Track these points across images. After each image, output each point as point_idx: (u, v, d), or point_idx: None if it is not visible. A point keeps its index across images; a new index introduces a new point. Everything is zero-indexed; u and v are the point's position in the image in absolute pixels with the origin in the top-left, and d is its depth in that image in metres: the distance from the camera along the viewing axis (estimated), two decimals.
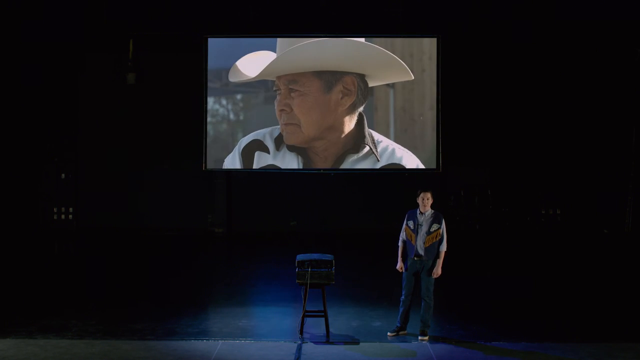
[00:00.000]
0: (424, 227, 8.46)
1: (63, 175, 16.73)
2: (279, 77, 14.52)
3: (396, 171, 15.12)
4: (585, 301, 10.35)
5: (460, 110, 16.14)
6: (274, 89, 14.63)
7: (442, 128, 15.05)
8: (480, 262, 13.55)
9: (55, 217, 16.74)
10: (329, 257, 8.65)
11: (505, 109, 16.37)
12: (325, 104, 14.55)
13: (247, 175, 16.46)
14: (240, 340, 8.36)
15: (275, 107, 14.62)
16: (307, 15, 15.13)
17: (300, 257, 8.64)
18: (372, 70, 14.56)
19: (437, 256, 8.49)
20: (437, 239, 8.46)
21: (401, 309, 8.58)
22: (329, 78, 14.53)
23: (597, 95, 16.27)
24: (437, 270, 8.48)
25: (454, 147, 15.89)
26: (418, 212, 8.55)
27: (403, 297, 8.58)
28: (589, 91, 16.25)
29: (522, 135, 16.44)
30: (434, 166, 15.06)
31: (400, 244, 8.65)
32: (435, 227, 8.45)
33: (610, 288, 11.24)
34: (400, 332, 8.58)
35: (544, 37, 15.48)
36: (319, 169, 15.05)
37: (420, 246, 8.46)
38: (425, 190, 8.55)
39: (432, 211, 8.55)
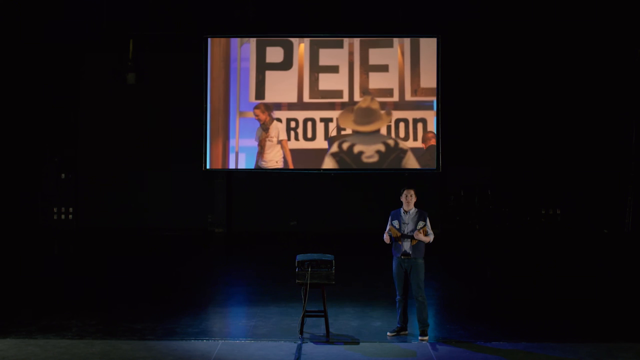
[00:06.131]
0: (409, 225, 8.41)
1: (63, 175, 16.72)
2: None
3: (396, 171, 15.11)
4: (586, 301, 10.34)
5: (460, 110, 16.14)
6: None
7: (442, 128, 15.04)
8: (480, 262, 13.54)
9: (55, 217, 16.74)
10: (329, 257, 8.64)
11: (505, 109, 16.37)
12: None
13: (247, 175, 16.46)
14: (240, 340, 8.36)
15: None
16: (307, 16, 15.14)
17: (300, 257, 8.63)
18: None
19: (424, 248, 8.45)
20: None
21: (399, 310, 8.58)
22: None
23: (597, 95, 16.26)
24: (419, 236, 8.34)
25: (454, 147, 15.89)
26: (402, 211, 8.50)
27: (398, 296, 8.58)
28: (589, 91, 16.25)
29: (522, 135, 16.43)
30: (434, 166, 15.06)
31: (385, 235, 8.58)
32: (421, 224, 8.40)
33: (610, 288, 11.24)
34: (401, 332, 8.56)
35: (543, 37, 15.48)
36: (319, 169, 15.04)
37: (407, 245, 8.43)
38: (409, 188, 8.51)
39: (416, 209, 8.49)
